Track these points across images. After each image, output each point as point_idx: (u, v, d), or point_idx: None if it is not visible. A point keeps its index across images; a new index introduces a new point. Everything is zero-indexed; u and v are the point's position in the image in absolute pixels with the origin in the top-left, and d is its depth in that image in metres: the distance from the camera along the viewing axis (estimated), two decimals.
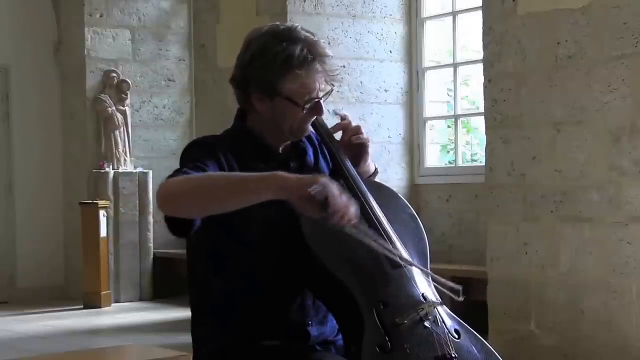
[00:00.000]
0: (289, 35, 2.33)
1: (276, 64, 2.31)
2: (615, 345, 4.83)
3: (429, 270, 2.37)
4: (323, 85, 2.36)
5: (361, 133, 2.48)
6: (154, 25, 8.86)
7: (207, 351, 2.40)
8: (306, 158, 2.47)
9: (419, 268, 2.34)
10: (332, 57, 2.37)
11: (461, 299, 2.27)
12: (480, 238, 6.27)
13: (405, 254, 2.34)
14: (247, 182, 2.14)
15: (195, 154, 2.32)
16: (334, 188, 2.07)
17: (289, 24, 2.41)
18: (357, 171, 2.49)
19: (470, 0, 7.45)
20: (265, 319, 2.35)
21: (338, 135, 2.50)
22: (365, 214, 2.36)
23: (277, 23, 2.43)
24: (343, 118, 2.48)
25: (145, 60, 8.82)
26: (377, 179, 2.58)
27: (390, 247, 2.27)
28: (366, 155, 2.51)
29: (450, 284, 2.29)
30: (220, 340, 2.37)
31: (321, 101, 2.37)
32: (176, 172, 2.25)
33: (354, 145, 2.48)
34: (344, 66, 7.27)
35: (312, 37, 2.36)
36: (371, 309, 2.23)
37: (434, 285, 2.36)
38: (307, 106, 2.35)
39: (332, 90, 2.40)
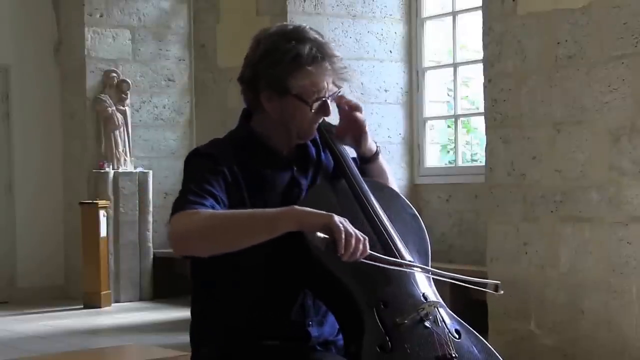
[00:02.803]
0: (298, 35, 2.35)
1: (286, 61, 2.32)
2: (615, 345, 4.83)
3: (462, 277, 2.38)
4: (331, 86, 2.38)
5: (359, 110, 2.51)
6: (154, 25, 8.86)
7: (207, 351, 2.40)
8: (309, 159, 2.48)
9: (441, 276, 2.35)
10: (340, 58, 2.39)
11: (501, 292, 2.34)
12: (480, 238, 6.27)
13: (406, 254, 2.34)
14: (265, 218, 2.19)
15: (199, 170, 2.33)
16: (343, 234, 2.12)
17: (297, 24, 2.43)
18: (358, 151, 2.52)
19: (470, 0, 7.45)
20: (265, 319, 2.35)
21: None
22: (367, 214, 2.37)
23: (286, 23, 2.46)
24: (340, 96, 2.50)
25: (145, 60, 8.82)
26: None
27: (407, 262, 2.30)
28: (365, 135, 2.52)
29: (486, 281, 2.36)
30: (220, 340, 2.38)
31: (328, 101, 2.38)
32: (182, 196, 2.27)
33: (352, 127, 2.50)
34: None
35: (320, 38, 2.38)
36: (372, 308, 2.23)
37: (471, 287, 2.38)
38: (315, 105, 2.36)
39: (339, 92, 2.42)
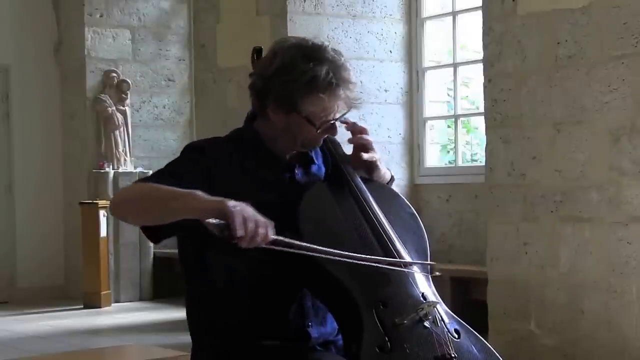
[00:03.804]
0: (317, 55, 2.32)
1: (300, 83, 2.30)
2: (615, 345, 4.83)
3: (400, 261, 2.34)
4: (341, 108, 2.36)
5: (371, 148, 2.47)
6: (154, 25, 8.86)
7: (207, 351, 2.40)
8: (312, 166, 2.48)
9: (360, 260, 2.31)
10: (356, 84, 2.36)
11: (438, 273, 2.36)
12: (480, 238, 6.27)
13: (404, 253, 2.34)
14: (170, 199, 2.19)
15: (181, 160, 2.37)
16: (237, 217, 2.07)
17: (317, 40, 2.38)
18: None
19: (470, 0, 7.45)
20: (264, 320, 2.35)
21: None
22: (366, 214, 2.37)
23: (306, 38, 2.40)
24: (349, 125, 2.48)
25: (145, 60, 8.83)
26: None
27: (325, 250, 2.22)
28: (377, 170, 2.51)
29: (419, 262, 2.34)
30: (219, 341, 2.37)
31: (336, 123, 2.38)
32: (149, 175, 2.37)
33: (364, 162, 2.48)
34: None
35: (339, 59, 2.34)
36: (371, 309, 2.23)
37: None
38: (322, 127, 2.35)
39: (347, 112, 2.40)
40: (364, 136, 2.48)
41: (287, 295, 2.36)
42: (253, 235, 2.08)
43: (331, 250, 2.23)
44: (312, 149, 2.45)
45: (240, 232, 2.06)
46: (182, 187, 2.24)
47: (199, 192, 2.15)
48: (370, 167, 2.50)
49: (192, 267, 2.41)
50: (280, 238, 2.13)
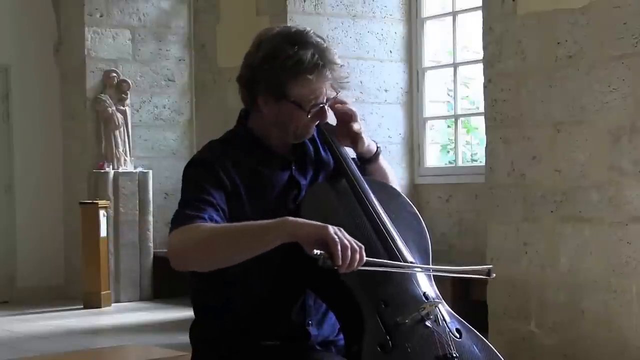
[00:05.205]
0: (301, 39, 2.33)
1: (287, 67, 2.31)
2: (615, 345, 4.84)
3: (449, 268, 2.41)
4: (329, 91, 2.38)
5: (355, 119, 2.50)
6: (154, 25, 8.86)
7: (207, 352, 2.41)
8: (308, 157, 2.48)
9: (439, 271, 2.36)
10: (341, 65, 2.38)
11: (493, 275, 2.43)
12: (480, 238, 6.27)
13: (406, 253, 2.34)
14: (258, 232, 2.16)
15: (195, 180, 2.32)
16: (338, 246, 2.08)
17: (300, 27, 2.41)
18: (357, 152, 2.52)
19: (470, 0, 7.46)
20: (265, 319, 2.35)
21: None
22: (368, 213, 2.37)
23: (289, 25, 2.47)
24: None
25: (145, 60, 8.82)
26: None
27: (407, 265, 2.29)
28: (361, 140, 2.51)
29: (478, 268, 2.42)
30: (220, 341, 2.38)
31: (326, 107, 2.38)
32: (180, 210, 2.27)
33: (348, 133, 2.50)
34: (342, 66, 7.27)
35: (323, 43, 2.36)
36: (372, 308, 2.23)
37: (465, 276, 2.40)
38: (312, 111, 2.36)
39: (336, 96, 2.42)
40: (347, 106, 2.50)
41: (290, 296, 2.36)
42: (351, 262, 2.11)
43: (416, 264, 2.29)
44: (305, 138, 2.45)
45: (340, 262, 2.09)
46: (219, 209, 2.25)
47: (290, 218, 2.15)
48: (355, 139, 2.51)
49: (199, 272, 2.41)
50: (371, 259, 2.17)
